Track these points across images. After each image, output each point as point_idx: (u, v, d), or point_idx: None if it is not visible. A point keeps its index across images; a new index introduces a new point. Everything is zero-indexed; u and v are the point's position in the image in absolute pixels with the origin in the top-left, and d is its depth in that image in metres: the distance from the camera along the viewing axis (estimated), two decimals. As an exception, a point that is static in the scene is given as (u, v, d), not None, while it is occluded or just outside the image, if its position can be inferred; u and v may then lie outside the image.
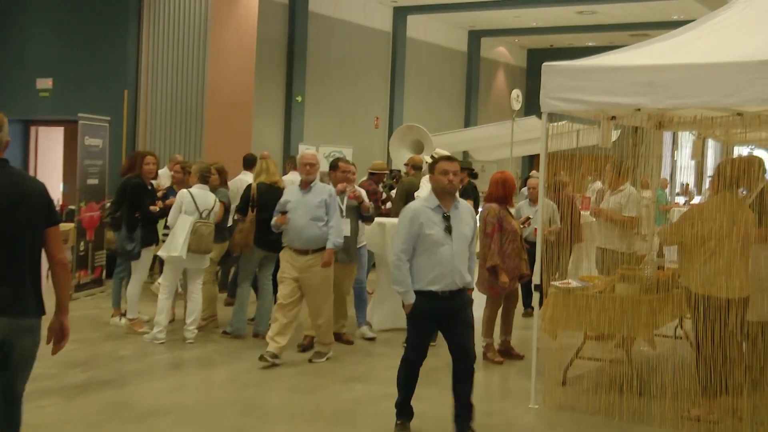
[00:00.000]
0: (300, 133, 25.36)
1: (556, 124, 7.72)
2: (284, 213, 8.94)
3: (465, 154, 28.06)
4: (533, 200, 11.48)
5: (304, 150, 20.13)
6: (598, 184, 14.16)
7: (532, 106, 24.77)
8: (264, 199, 9.95)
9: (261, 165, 10.44)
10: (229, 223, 11.22)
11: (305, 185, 9.09)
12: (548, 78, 7.57)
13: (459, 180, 6.73)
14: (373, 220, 10.18)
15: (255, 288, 11.02)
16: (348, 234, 9.65)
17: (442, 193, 6.62)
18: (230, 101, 19.00)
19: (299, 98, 25.21)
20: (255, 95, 20.53)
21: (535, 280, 7.76)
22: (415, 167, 13.18)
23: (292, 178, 12.24)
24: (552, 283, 8.01)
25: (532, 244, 9.29)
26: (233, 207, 10.91)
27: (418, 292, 6.53)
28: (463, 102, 34.44)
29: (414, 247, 6.52)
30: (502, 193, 9.48)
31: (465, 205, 6.80)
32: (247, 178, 12.46)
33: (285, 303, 9.05)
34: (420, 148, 18.29)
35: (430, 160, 10.03)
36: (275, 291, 9.94)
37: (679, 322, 10.09)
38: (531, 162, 35.56)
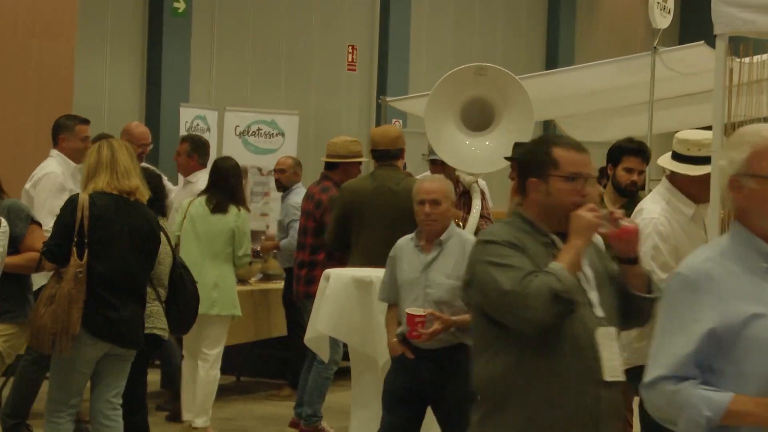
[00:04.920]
0: (181, 82, 14.18)
1: (746, 60, 4.62)
2: None
3: (546, 127, 16.44)
4: None
5: (192, 115, 11.79)
6: None
7: (694, 25, 17.67)
8: (104, 230, 5.44)
9: (99, 153, 5.78)
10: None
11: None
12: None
13: None
14: None
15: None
16: None
17: None
18: (29, 17, 10.32)
19: (180, 5, 14.44)
20: (81, 4, 11.18)
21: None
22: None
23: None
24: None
25: None
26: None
27: None
28: (542, 15, 19.03)
29: None
30: None
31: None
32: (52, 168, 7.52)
33: None
34: (487, 119, 7.47)
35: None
36: None
37: None
38: None
